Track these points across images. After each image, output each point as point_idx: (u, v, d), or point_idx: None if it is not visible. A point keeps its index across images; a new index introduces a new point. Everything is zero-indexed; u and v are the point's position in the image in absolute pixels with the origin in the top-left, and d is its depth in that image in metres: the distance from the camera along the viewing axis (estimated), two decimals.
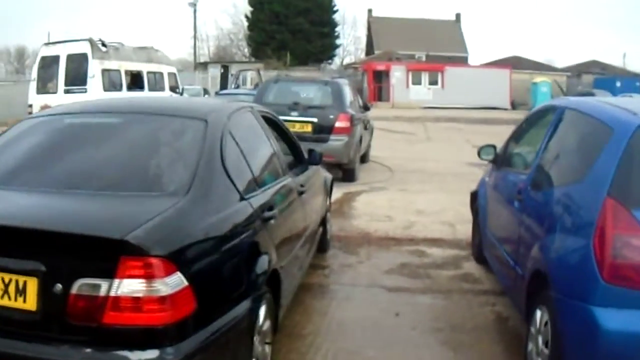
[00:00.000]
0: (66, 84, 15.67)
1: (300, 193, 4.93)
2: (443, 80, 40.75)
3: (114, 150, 3.67)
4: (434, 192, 10.45)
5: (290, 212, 4.52)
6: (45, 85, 16.03)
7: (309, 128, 11.21)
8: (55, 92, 15.63)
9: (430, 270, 6.23)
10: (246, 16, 53.70)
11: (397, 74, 40.61)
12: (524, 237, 4.08)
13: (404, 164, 13.97)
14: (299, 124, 11.22)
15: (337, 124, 11.12)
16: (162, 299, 2.65)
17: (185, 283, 2.74)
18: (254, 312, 3.37)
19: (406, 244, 7.26)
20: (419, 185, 11.34)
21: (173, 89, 19.68)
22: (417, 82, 40.94)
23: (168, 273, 2.68)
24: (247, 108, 4.65)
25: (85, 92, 15.26)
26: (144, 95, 15.70)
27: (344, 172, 11.65)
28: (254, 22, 52.04)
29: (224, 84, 35.14)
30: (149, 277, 2.64)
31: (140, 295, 2.63)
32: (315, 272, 6.14)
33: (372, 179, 11.99)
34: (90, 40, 15.93)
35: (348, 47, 63.73)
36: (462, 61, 51.33)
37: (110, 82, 16.24)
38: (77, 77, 15.60)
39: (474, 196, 6.40)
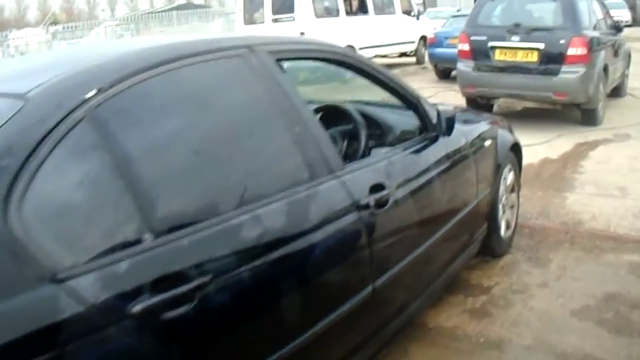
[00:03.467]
0: (273, 13, 13.94)
1: (379, 204, 2.54)
2: None
3: None
4: None
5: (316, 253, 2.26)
6: (252, 15, 14.47)
7: (533, 57, 8.29)
8: (262, 22, 14.01)
9: None
10: None
11: None
12: None
13: None
14: (521, 52, 8.40)
15: (570, 51, 8.04)
16: None
17: None
18: None
19: (631, 248, 4.39)
20: None
21: (407, 12, 17.17)
22: None
23: None
24: (235, 51, 2.37)
25: (293, 20, 13.44)
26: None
27: (582, 114, 8.57)
28: None
29: None
30: None
31: None
32: (457, 301, 3.69)
33: (622, 121, 8.74)
34: None
35: None
36: None
37: (324, 7, 14.21)
38: (284, 4, 13.78)
39: None
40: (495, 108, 9.39)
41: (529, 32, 8.26)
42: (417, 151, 3.08)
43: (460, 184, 3.47)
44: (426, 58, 15.69)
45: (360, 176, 2.56)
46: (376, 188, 2.59)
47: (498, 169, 4.08)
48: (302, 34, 13.34)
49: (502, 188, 4.18)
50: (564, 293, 3.76)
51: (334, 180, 2.40)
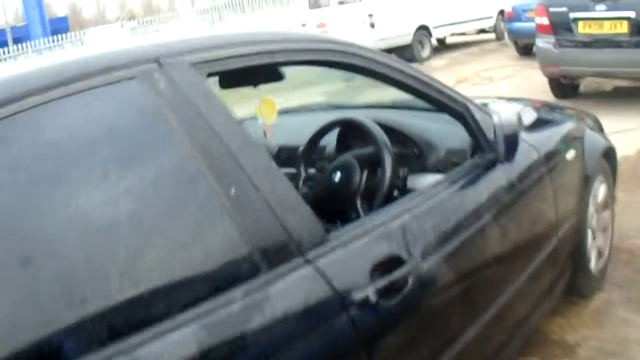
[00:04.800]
0: None
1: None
2: None
3: None
4: None
5: None
6: None
7: (623, 27, 6.86)
8: (328, 6, 12.87)
9: None
10: None
11: None
12: None
13: None
14: (608, 23, 6.96)
15: None
16: None
17: None
18: None
19: None
20: None
21: None
22: None
23: None
24: (129, 70, 1.39)
25: (360, 1, 12.24)
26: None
27: None
28: None
29: None
30: None
31: None
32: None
33: None
34: None
35: None
36: None
37: None
38: None
39: None
40: (581, 88, 8.02)
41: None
42: (463, 187, 2.01)
43: (531, 224, 2.40)
44: (505, 34, 14.18)
45: (356, 251, 1.54)
46: (387, 265, 1.56)
47: (586, 185, 2.95)
48: (370, 16, 12.18)
49: (591, 209, 3.05)
50: None
51: (305, 269, 1.40)
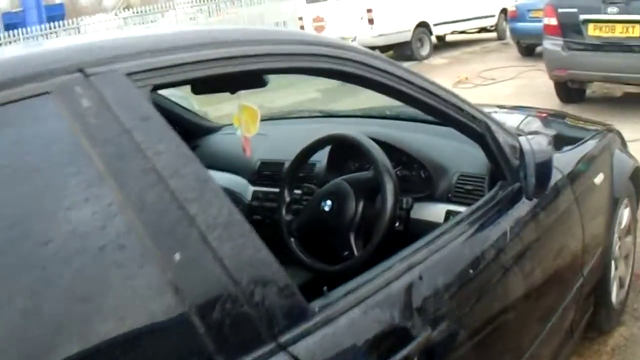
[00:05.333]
0: None
1: None
2: None
3: None
4: None
5: None
6: None
7: (635, 31, 6.52)
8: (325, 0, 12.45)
9: None
10: None
11: None
12: None
13: None
14: (620, 26, 6.61)
15: None
16: None
17: None
18: None
19: None
20: None
21: None
22: None
23: None
24: (43, 82, 0.96)
25: None
26: None
27: None
28: None
29: None
30: None
31: None
32: None
33: None
34: None
35: None
36: None
37: None
38: None
39: None
40: (588, 93, 7.65)
41: (629, 2, 6.47)
42: (483, 229, 1.61)
43: (557, 266, 2.01)
44: (507, 33, 13.77)
45: (346, 328, 1.15)
46: (389, 341, 1.17)
47: (613, 212, 2.58)
48: (369, 11, 11.77)
49: (615, 236, 2.67)
50: None
51: (277, 358, 1.00)
